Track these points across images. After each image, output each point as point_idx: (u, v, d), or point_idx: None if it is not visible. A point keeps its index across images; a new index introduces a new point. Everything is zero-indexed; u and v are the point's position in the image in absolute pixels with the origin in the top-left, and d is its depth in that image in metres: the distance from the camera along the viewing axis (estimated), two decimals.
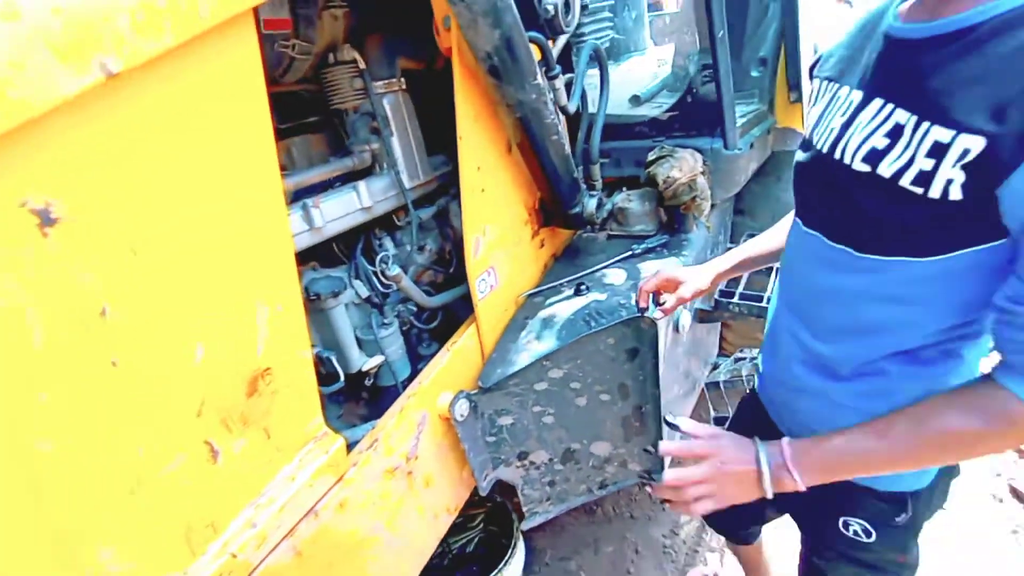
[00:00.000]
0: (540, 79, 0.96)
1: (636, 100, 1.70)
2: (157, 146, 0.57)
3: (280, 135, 1.09)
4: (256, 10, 0.74)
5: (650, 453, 1.18)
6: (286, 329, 0.75)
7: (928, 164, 0.53)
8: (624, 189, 1.41)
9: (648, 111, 1.55)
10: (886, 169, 0.57)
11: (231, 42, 0.62)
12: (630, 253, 1.30)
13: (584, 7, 1.94)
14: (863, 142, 0.60)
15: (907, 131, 0.56)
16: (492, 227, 1.10)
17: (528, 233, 1.26)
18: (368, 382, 1.13)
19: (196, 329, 0.63)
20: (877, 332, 0.65)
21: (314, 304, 1.00)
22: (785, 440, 0.66)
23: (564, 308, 1.15)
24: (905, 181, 0.55)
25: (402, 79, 1.08)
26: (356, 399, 1.19)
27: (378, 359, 1.08)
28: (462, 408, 1.01)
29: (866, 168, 0.59)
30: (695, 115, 1.37)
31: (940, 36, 0.54)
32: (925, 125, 0.54)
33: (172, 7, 0.55)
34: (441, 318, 1.25)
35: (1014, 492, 1.78)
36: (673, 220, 1.36)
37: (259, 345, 0.71)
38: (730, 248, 1.31)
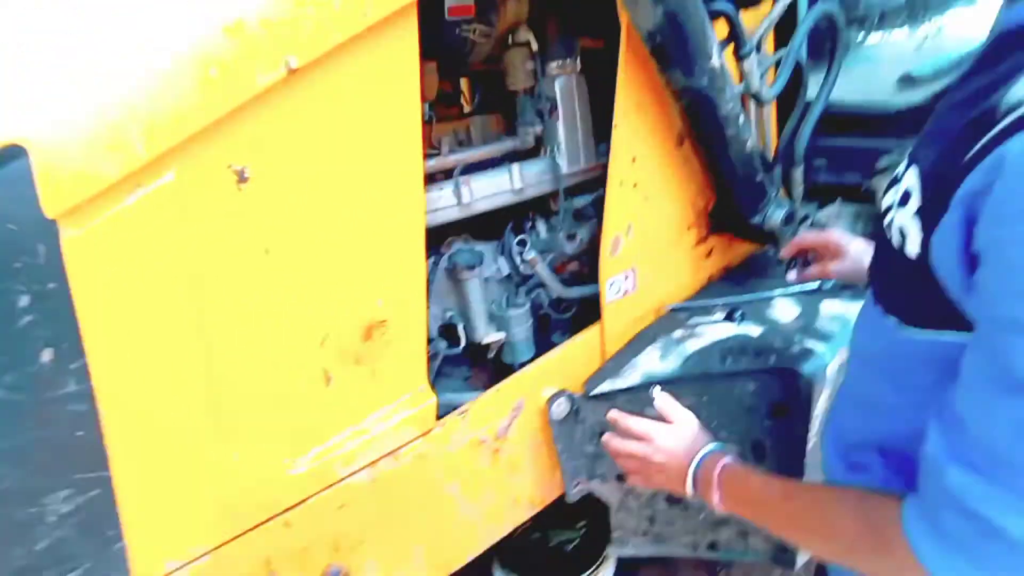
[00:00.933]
0: (716, 61, 0.90)
1: (909, 81, 1.39)
2: (323, 124, 0.78)
3: (468, 114, 1.26)
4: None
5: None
6: (407, 293, 0.93)
7: (891, 207, 0.53)
8: (839, 201, 1.21)
9: (919, 96, 1.25)
10: (881, 207, 0.57)
11: (390, 37, 0.78)
12: (816, 287, 1.13)
13: None
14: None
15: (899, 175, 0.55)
16: (639, 225, 1.10)
17: (691, 239, 1.20)
18: (490, 355, 1.27)
19: (331, 275, 0.84)
20: (869, 408, 0.63)
21: (453, 273, 1.17)
22: (727, 459, 0.70)
23: (705, 333, 1.09)
24: (884, 223, 0.55)
25: (578, 61, 1.13)
26: (483, 367, 1.35)
27: (499, 335, 1.20)
28: (560, 407, 1.08)
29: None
30: None
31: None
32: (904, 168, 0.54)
33: (343, 10, 0.72)
34: (578, 310, 1.30)
35: None
36: None
37: (380, 300, 0.90)
38: None
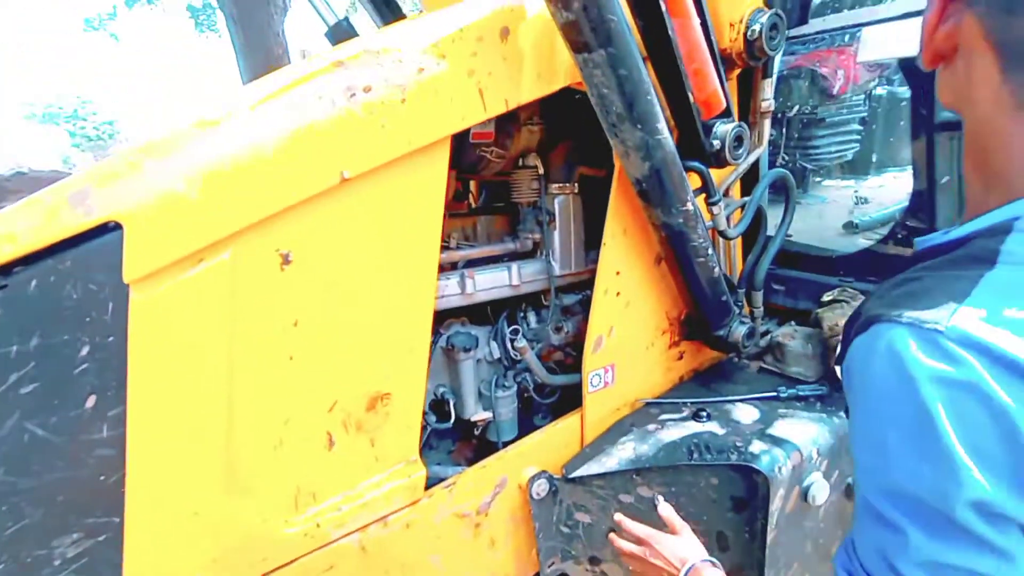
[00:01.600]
0: (690, 205, 1.07)
1: (851, 227, 1.61)
2: (361, 221, 0.90)
3: (475, 212, 1.42)
4: (468, 129, 1.05)
5: None
6: (410, 370, 1.01)
7: None
8: (793, 323, 1.36)
9: (859, 242, 1.46)
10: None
11: (427, 158, 0.93)
12: (774, 394, 1.25)
13: (820, 120, 1.93)
14: None
15: None
16: (619, 328, 1.22)
17: (664, 342, 1.33)
18: (476, 432, 1.34)
19: (348, 349, 0.93)
20: None
21: (449, 353, 1.26)
22: (712, 571, 0.81)
23: (674, 428, 1.19)
24: None
25: (576, 184, 1.30)
26: (469, 442, 1.41)
27: (486, 414, 1.28)
28: (540, 487, 1.14)
29: None
30: (896, 261, 1.26)
31: None
32: None
33: (391, 135, 0.87)
34: (560, 396, 1.39)
35: None
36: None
37: (387, 374, 0.99)
38: None
